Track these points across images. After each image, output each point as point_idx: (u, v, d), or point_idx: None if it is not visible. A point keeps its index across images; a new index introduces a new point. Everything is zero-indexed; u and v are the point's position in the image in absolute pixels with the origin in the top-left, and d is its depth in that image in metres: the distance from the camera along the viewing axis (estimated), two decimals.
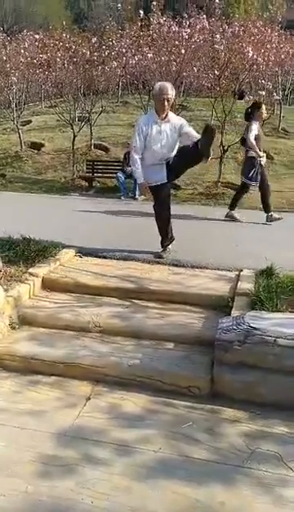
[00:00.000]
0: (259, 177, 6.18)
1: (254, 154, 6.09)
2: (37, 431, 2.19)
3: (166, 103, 3.91)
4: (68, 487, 1.86)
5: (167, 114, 3.99)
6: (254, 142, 6.03)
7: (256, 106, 6.27)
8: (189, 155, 3.95)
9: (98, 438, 2.15)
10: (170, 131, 3.98)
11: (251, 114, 6.20)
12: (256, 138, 6.08)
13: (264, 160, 6.22)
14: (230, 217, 6.35)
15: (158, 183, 4.03)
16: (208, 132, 3.79)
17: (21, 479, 1.89)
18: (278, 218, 6.21)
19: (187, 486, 1.89)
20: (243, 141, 6.35)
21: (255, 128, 6.10)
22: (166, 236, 4.20)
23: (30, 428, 2.21)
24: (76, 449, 2.08)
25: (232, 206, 6.45)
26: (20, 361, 2.72)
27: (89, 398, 2.46)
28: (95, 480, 1.90)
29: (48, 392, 2.52)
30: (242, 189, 6.43)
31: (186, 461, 2.04)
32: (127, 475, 1.94)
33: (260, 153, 6.09)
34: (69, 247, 4.21)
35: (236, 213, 6.37)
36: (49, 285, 3.55)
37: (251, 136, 6.03)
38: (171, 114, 4.06)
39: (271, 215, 6.25)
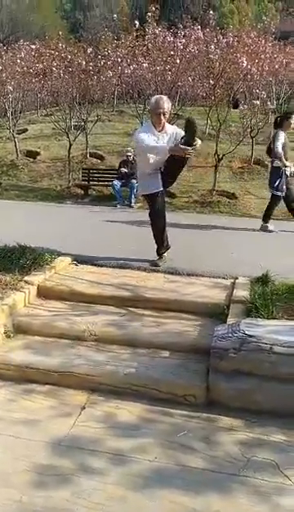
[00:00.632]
0: (285, 187, 6.06)
1: (279, 164, 5.98)
2: (31, 440, 2.17)
3: (162, 116, 3.95)
4: (63, 498, 1.84)
5: (163, 127, 4.03)
6: (281, 151, 5.94)
7: (285, 116, 6.22)
8: (179, 158, 3.93)
9: (93, 448, 2.14)
10: (167, 142, 4.02)
11: (280, 123, 6.13)
12: (283, 147, 6.00)
13: (289, 170, 6.04)
14: (264, 230, 6.18)
15: (154, 191, 4.05)
16: (190, 126, 3.78)
17: (16, 489, 1.87)
18: (271, 231, 6.12)
19: (184, 495, 1.88)
20: (270, 150, 6.23)
21: (282, 137, 6.01)
22: (161, 244, 4.21)
23: (25, 437, 2.20)
24: (71, 458, 2.06)
25: (265, 218, 6.27)
26: (14, 369, 2.71)
27: (84, 407, 2.45)
28: (90, 490, 1.88)
29: (43, 401, 2.50)
30: (272, 200, 6.26)
31: (182, 470, 2.02)
32: (123, 485, 1.92)
33: (286, 162, 5.98)
34: (64, 255, 4.21)
35: (270, 226, 6.23)
36: (44, 293, 3.54)
37: (279, 146, 5.94)
38: (167, 125, 4.10)
39: (266, 226, 6.21)
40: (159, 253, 4.22)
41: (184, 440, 2.21)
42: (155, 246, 4.23)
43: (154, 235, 4.20)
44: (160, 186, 4.04)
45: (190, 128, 3.78)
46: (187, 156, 3.83)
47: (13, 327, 3.10)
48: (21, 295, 3.34)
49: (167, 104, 3.96)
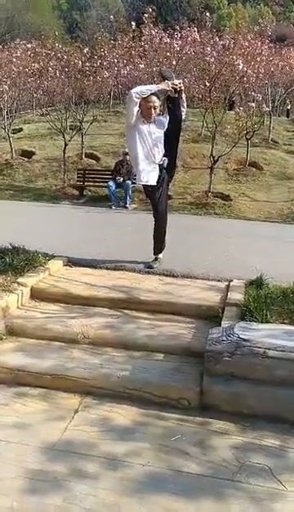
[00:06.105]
0: None
1: None
2: (23, 445, 2.15)
3: (152, 110, 3.94)
4: (54, 504, 1.82)
5: (152, 119, 4.03)
6: None
7: None
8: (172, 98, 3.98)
9: (86, 452, 2.11)
10: (157, 128, 4.00)
11: None
12: None
13: None
14: None
15: (150, 183, 3.98)
16: (165, 74, 4.05)
17: (7, 495, 1.85)
18: None
19: (176, 500, 1.86)
20: None
21: None
22: (161, 243, 4.19)
23: (16, 441, 2.17)
24: (64, 463, 2.04)
25: None
26: (6, 372, 2.67)
27: (77, 411, 2.42)
28: (82, 495, 1.86)
29: (35, 404, 2.47)
30: None
31: (176, 475, 2.01)
32: (116, 490, 1.90)
33: None
34: (58, 256, 4.17)
35: None
36: (38, 295, 3.51)
37: None
38: (156, 118, 4.08)
39: None
40: (155, 252, 4.20)
41: (177, 444, 2.20)
42: (150, 247, 4.20)
43: (155, 233, 4.17)
44: (155, 180, 3.99)
45: (165, 75, 4.00)
46: (178, 88, 3.91)
47: (5, 329, 3.07)
48: (14, 297, 3.30)
49: (157, 98, 3.95)
